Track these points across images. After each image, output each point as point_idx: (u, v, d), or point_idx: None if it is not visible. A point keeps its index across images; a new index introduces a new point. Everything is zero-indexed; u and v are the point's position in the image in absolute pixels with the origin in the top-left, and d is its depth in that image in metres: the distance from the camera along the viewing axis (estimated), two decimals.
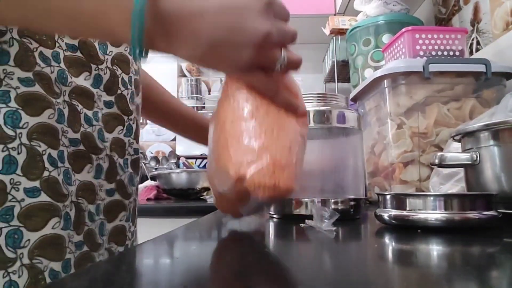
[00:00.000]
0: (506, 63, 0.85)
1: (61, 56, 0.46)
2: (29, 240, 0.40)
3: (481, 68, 0.79)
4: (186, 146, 2.08)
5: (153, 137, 2.09)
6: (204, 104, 2.06)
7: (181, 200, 1.53)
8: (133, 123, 0.57)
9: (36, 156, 0.42)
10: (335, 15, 1.65)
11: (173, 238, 0.43)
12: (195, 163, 1.98)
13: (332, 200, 0.55)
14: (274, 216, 0.60)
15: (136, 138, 0.58)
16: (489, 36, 0.99)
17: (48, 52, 0.44)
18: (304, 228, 0.46)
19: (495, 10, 0.96)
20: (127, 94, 0.55)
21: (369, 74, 1.01)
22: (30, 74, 0.42)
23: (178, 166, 1.84)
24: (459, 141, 0.59)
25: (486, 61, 0.79)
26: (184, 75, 2.14)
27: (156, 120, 0.79)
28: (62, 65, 0.46)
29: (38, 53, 0.43)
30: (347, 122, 0.58)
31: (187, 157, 1.93)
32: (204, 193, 1.47)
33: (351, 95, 1.05)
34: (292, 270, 0.28)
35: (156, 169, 1.82)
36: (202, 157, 2.01)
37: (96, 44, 0.50)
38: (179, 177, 1.55)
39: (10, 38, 0.41)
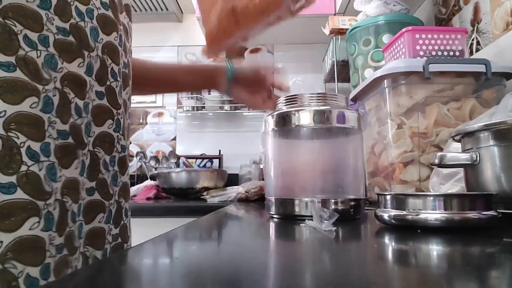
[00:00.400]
0: (506, 63, 0.85)
1: (51, 39, 0.42)
2: (1, 242, 0.36)
3: (481, 68, 0.79)
4: (186, 146, 2.08)
5: (153, 137, 2.09)
6: (204, 104, 2.06)
7: (180, 200, 1.53)
8: (121, 118, 0.54)
9: (12, 148, 0.38)
10: (335, 15, 1.65)
11: (173, 238, 0.43)
12: (195, 163, 1.98)
13: (332, 200, 0.55)
14: (275, 216, 0.60)
15: (124, 134, 0.55)
16: (489, 36, 0.99)
17: (34, 36, 0.41)
18: (304, 228, 0.46)
19: (495, 10, 0.96)
20: (116, 87, 0.52)
21: (369, 74, 1.01)
22: (11, 59, 0.39)
23: (178, 165, 1.84)
24: (459, 141, 0.59)
25: (486, 61, 0.79)
26: None
27: (139, 90, 0.76)
28: (52, 49, 0.42)
29: (23, 36, 0.40)
30: (347, 122, 0.58)
31: (187, 157, 1.93)
32: (204, 193, 1.47)
33: (351, 95, 1.05)
34: (292, 270, 0.28)
35: (156, 168, 1.82)
36: (202, 157, 2.01)
37: (87, 30, 0.47)
38: (179, 177, 1.55)
39: None
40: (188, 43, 2.13)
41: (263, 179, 1.58)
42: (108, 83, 0.50)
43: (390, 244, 0.39)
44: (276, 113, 0.61)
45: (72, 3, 0.45)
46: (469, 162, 0.52)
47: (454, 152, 0.59)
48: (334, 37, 1.57)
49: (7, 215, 0.37)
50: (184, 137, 2.09)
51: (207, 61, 0.83)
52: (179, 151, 2.05)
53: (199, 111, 2.06)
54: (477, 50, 1.04)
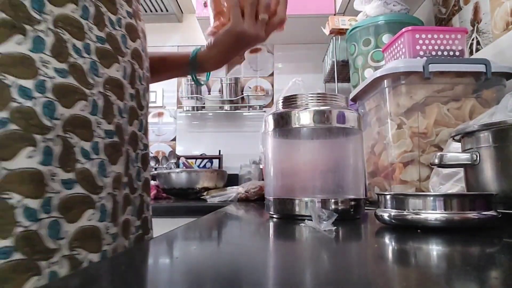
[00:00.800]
0: (506, 63, 0.85)
1: (92, 48, 0.46)
2: (67, 231, 0.40)
3: (481, 68, 0.79)
4: (186, 146, 2.08)
5: (153, 137, 2.09)
6: (204, 104, 2.06)
7: (180, 200, 1.53)
8: (143, 118, 0.58)
9: (70, 147, 0.42)
10: (335, 15, 1.65)
11: (173, 238, 0.43)
12: (195, 163, 1.98)
13: (332, 200, 0.55)
14: (274, 216, 0.60)
15: (145, 133, 0.59)
16: (489, 36, 0.99)
17: (79, 44, 0.44)
18: (304, 228, 0.46)
19: (495, 10, 0.96)
20: (141, 90, 0.56)
21: (369, 74, 1.01)
22: (64, 66, 0.42)
23: (178, 166, 1.84)
24: (459, 141, 0.59)
25: (486, 61, 0.79)
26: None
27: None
28: (94, 56, 0.46)
29: (71, 44, 0.43)
30: (347, 122, 0.58)
31: (187, 157, 1.93)
32: (204, 193, 1.47)
33: (351, 95, 1.05)
34: (292, 270, 0.28)
35: (156, 168, 1.82)
36: (202, 157, 2.01)
37: (118, 37, 0.50)
38: (179, 177, 1.55)
39: (46, 28, 0.41)
40: (188, 43, 2.13)
41: (263, 179, 1.58)
42: (136, 86, 0.54)
43: (390, 244, 0.39)
44: (276, 113, 0.61)
45: (105, 13, 0.49)
46: (469, 162, 0.52)
47: (454, 152, 0.59)
48: (334, 37, 1.57)
49: (70, 208, 0.41)
50: (184, 137, 2.09)
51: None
52: (179, 151, 2.05)
53: (199, 111, 2.06)
54: (477, 50, 1.04)
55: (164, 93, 2.13)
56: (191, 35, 2.15)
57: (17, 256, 0.37)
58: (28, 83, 0.39)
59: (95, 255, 0.43)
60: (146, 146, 0.59)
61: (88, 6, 0.46)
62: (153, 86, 1.07)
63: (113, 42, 0.49)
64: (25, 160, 0.38)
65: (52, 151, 0.40)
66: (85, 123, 0.43)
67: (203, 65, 0.76)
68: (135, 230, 0.55)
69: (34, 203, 0.38)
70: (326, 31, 1.52)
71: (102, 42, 0.47)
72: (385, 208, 0.46)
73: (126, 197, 0.52)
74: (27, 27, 0.40)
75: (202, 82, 0.82)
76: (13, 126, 0.38)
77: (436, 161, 0.53)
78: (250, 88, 2.10)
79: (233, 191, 1.37)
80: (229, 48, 0.72)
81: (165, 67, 0.79)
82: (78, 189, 0.42)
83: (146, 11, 1.98)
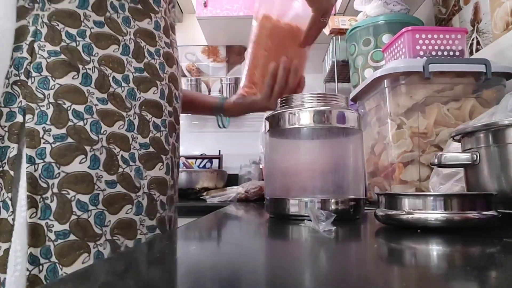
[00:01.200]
0: (506, 63, 0.85)
1: (131, 77, 0.57)
2: (110, 221, 0.52)
3: (481, 68, 0.79)
4: (186, 146, 2.07)
5: None
6: None
7: (180, 200, 1.52)
8: (179, 132, 0.70)
9: (113, 156, 0.53)
10: (335, 15, 1.65)
11: (172, 238, 0.43)
12: (195, 163, 1.98)
13: (332, 200, 0.55)
14: (274, 216, 0.60)
15: (178, 143, 0.71)
16: (489, 36, 0.99)
17: (119, 76, 0.56)
18: (303, 228, 0.46)
19: (495, 10, 0.96)
20: (178, 107, 0.68)
21: (369, 74, 1.01)
22: (105, 95, 0.54)
23: None
24: (459, 141, 0.58)
25: (486, 61, 0.79)
26: (184, 75, 2.14)
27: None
28: (131, 84, 0.57)
29: (112, 77, 0.55)
30: (347, 122, 0.58)
31: (187, 157, 1.93)
32: (204, 193, 1.47)
33: (351, 95, 1.05)
34: (291, 271, 0.28)
35: None
36: (202, 157, 2.01)
37: (156, 64, 0.61)
38: (179, 177, 1.55)
39: (93, 67, 0.53)
40: (188, 43, 2.14)
41: (262, 179, 1.58)
42: (174, 104, 0.65)
43: (390, 244, 0.39)
44: (276, 113, 0.61)
45: (144, 47, 0.60)
46: (469, 162, 0.52)
47: (454, 152, 0.59)
48: (334, 37, 1.57)
49: (112, 203, 0.52)
50: (184, 137, 2.08)
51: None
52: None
53: None
54: (477, 50, 1.04)
55: None
56: (191, 35, 2.15)
57: (72, 237, 0.49)
58: (80, 108, 0.52)
59: (131, 242, 0.54)
60: (179, 155, 0.72)
61: (128, 44, 0.58)
62: None
63: (151, 69, 0.60)
64: (78, 165, 0.50)
65: (99, 158, 0.52)
66: (123, 137, 0.55)
67: (226, 113, 0.94)
68: (173, 225, 0.67)
69: (85, 198, 0.50)
70: (326, 31, 1.52)
71: (141, 71, 0.59)
72: (385, 208, 0.46)
73: (171, 198, 0.65)
74: (80, 66, 0.53)
75: (226, 126, 0.98)
76: (69, 140, 0.50)
77: (436, 161, 0.53)
78: None
79: (233, 191, 1.37)
80: (249, 111, 0.91)
81: (194, 107, 0.96)
82: (119, 188, 0.53)
83: None
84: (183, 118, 2.09)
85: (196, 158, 2.00)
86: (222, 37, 2.04)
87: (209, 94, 2.11)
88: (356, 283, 0.24)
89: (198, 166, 1.99)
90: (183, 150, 2.06)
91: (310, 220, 0.46)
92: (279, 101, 0.63)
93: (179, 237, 0.44)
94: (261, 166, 1.74)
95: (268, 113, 0.64)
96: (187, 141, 2.08)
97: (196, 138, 2.08)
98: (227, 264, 0.30)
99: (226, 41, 2.11)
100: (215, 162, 2.00)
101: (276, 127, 0.61)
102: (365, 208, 0.60)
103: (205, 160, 2.01)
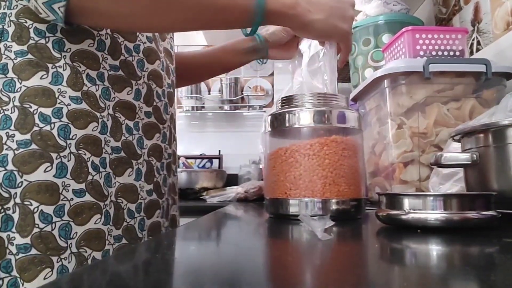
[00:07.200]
0: (507, 63, 0.85)
1: (105, 75, 0.54)
2: (76, 232, 0.48)
3: (481, 68, 0.79)
4: (185, 146, 2.07)
5: None
6: (204, 104, 2.06)
7: (180, 200, 1.52)
8: (167, 130, 0.65)
9: (82, 162, 0.50)
10: None
11: (172, 238, 0.43)
12: (195, 163, 1.98)
13: (333, 200, 0.55)
14: (274, 216, 0.60)
15: (170, 144, 0.66)
16: (489, 36, 0.99)
17: (93, 73, 0.52)
18: (303, 229, 0.46)
19: (495, 10, 0.96)
20: (161, 106, 0.63)
21: (369, 74, 1.01)
22: (79, 93, 0.51)
23: (177, 166, 1.84)
24: (458, 141, 0.58)
25: (486, 61, 0.79)
26: None
27: (190, 80, 0.94)
28: (106, 83, 0.54)
29: (86, 75, 0.52)
30: (347, 122, 0.58)
31: (187, 157, 1.93)
32: (203, 193, 1.47)
33: (351, 95, 1.05)
34: (292, 270, 0.28)
35: None
36: (202, 157, 2.01)
37: (134, 63, 0.58)
38: (179, 177, 1.55)
39: (64, 64, 0.50)
40: (188, 43, 2.13)
41: (262, 179, 1.58)
42: (154, 103, 0.61)
43: (390, 244, 0.39)
44: (276, 113, 0.61)
45: (121, 43, 0.56)
46: (469, 162, 0.52)
47: (454, 152, 0.59)
48: None
49: (80, 213, 0.49)
50: (183, 137, 2.09)
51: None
52: (179, 152, 2.04)
53: (199, 111, 2.06)
54: (478, 50, 1.04)
55: None
56: (191, 35, 2.14)
57: (34, 251, 0.46)
58: (48, 111, 0.48)
59: (98, 253, 0.50)
60: (170, 155, 0.66)
61: (104, 39, 0.54)
62: None
63: (127, 68, 0.57)
64: (43, 173, 0.47)
65: (66, 166, 0.49)
66: (95, 140, 0.51)
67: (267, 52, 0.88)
68: (164, 230, 0.62)
69: (49, 209, 0.47)
70: None
71: (116, 70, 0.55)
72: (385, 208, 0.46)
73: (154, 202, 0.60)
74: (49, 64, 0.49)
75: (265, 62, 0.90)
76: (34, 146, 0.47)
77: (436, 161, 0.53)
78: (250, 88, 2.10)
79: (233, 191, 1.37)
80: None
81: (223, 62, 0.89)
82: (87, 197, 0.50)
83: None
84: (183, 118, 2.10)
85: (195, 158, 2.00)
86: (221, 37, 2.04)
87: (209, 94, 2.11)
88: (357, 283, 0.24)
89: (198, 166, 1.99)
90: (183, 150, 2.06)
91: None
92: (279, 101, 0.63)
93: (178, 237, 0.44)
94: (261, 166, 1.74)
95: (268, 113, 0.64)
96: (187, 141, 2.08)
97: (196, 138, 2.08)
98: (226, 264, 0.30)
99: (225, 41, 2.11)
100: (215, 162, 2.00)
101: (276, 127, 0.61)
102: (366, 208, 0.60)
103: (205, 160, 2.01)
